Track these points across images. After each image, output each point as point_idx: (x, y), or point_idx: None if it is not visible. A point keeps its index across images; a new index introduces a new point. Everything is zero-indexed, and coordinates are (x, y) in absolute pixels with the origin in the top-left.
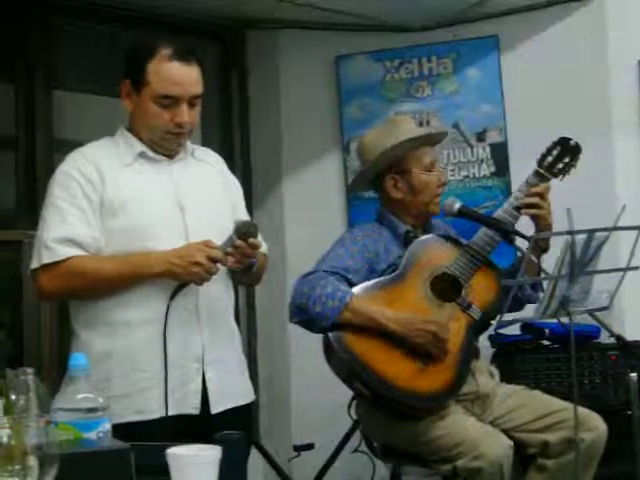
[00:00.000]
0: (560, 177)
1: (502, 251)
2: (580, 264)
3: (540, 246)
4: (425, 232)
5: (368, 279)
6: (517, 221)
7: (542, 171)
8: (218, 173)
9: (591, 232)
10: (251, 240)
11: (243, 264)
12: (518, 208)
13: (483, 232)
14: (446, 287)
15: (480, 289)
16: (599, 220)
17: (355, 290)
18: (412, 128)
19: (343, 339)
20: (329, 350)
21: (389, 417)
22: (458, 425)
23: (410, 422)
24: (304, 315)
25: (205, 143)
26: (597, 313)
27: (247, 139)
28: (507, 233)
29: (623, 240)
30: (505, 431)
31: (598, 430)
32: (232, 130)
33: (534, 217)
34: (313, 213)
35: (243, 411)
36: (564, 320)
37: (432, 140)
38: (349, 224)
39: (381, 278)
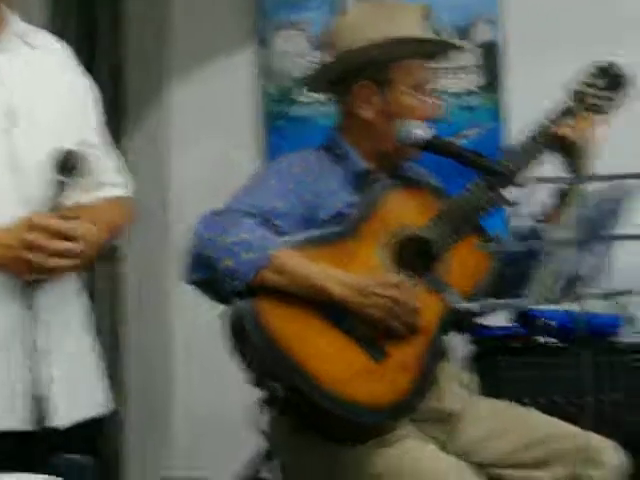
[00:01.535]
0: (598, 116)
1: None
2: (597, 225)
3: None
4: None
5: (303, 230)
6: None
7: (573, 106)
8: (62, 67)
9: (615, 179)
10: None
11: None
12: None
13: (477, 183)
14: (414, 257)
15: (463, 266)
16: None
17: (284, 241)
18: (416, 23)
19: (258, 313)
20: (237, 330)
21: (314, 439)
22: (412, 455)
23: (344, 448)
24: (206, 272)
25: (53, 28)
26: (621, 299)
27: (117, 21)
28: (493, 175)
29: None
30: (479, 465)
31: (613, 466)
32: (94, 6)
33: (565, 148)
34: (214, 137)
35: (96, 426)
36: (572, 307)
37: (437, 50)
38: (268, 155)
39: (321, 230)
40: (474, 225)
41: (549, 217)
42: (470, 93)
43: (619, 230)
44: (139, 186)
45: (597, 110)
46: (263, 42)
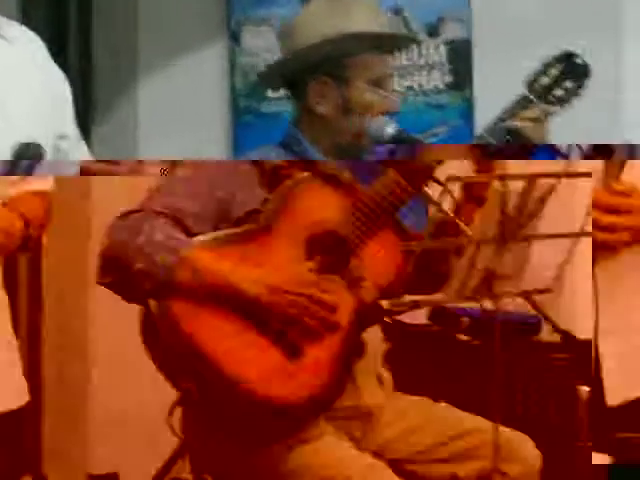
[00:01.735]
0: (557, 107)
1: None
2: (514, 224)
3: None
4: None
5: (216, 229)
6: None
7: (532, 97)
8: (35, 60)
9: (531, 177)
10: None
11: None
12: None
13: (390, 175)
14: (328, 252)
15: (380, 261)
16: None
17: (196, 242)
18: (372, 18)
19: (172, 313)
20: (150, 330)
21: (229, 440)
22: (327, 454)
23: (259, 448)
24: (119, 273)
25: (22, 19)
26: (537, 298)
27: (86, 16)
28: None
29: (579, 192)
30: (396, 462)
31: (527, 461)
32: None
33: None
34: (182, 132)
35: (12, 420)
36: (487, 305)
37: (392, 44)
38: (235, 150)
39: (235, 229)
40: (390, 219)
41: (460, 212)
42: (439, 91)
43: (538, 229)
44: None
45: (555, 101)
46: (233, 37)
